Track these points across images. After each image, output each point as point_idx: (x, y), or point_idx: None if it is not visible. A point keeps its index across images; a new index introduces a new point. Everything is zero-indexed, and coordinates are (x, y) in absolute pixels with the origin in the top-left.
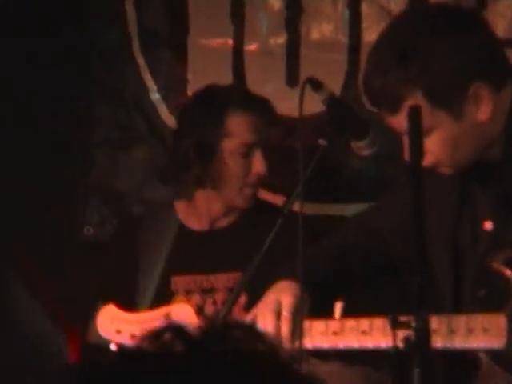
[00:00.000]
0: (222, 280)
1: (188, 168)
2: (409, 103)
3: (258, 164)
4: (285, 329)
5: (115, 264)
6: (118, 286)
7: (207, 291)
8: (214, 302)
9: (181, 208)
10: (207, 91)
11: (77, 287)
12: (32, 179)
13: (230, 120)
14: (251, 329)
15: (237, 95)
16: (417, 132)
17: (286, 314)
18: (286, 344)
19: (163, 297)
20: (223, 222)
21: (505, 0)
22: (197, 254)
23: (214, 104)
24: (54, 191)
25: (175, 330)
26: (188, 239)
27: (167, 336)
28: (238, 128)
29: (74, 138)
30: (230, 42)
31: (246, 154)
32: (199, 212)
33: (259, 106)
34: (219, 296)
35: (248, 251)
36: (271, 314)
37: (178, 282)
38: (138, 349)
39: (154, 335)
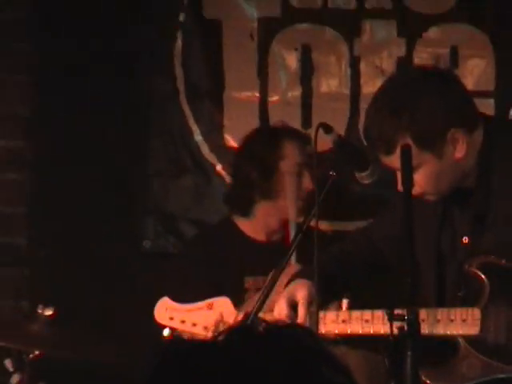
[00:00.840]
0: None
1: (251, 187)
2: (401, 146)
3: (307, 182)
4: (301, 313)
5: (194, 265)
6: (195, 283)
7: (269, 287)
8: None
9: (242, 224)
10: (262, 128)
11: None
12: (101, 204)
13: (285, 146)
14: (304, 328)
15: (287, 129)
16: (408, 164)
17: (302, 301)
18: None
19: (239, 293)
20: (278, 236)
21: (472, 60)
22: (261, 260)
23: (270, 135)
24: (118, 213)
25: (242, 329)
26: (252, 247)
27: (235, 334)
28: (291, 151)
29: (133, 169)
30: (257, 94)
31: (298, 173)
32: (258, 227)
33: (304, 137)
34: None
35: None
36: (286, 303)
37: (250, 281)
38: (210, 342)
39: (225, 332)
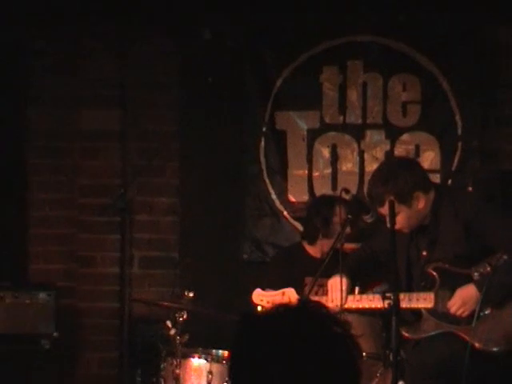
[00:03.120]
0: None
1: (317, 230)
2: (388, 201)
3: (348, 229)
4: (343, 295)
5: (280, 273)
6: (276, 280)
7: (321, 285)
8: (323, 290)
9: (308, 247)
10: (324, 197)
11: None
12: (219, 234)
13: (336, 208)
14: (320, 304)
15: (338, 198)
16: (392, 211)
17: (343, 289)
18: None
19: (301, 286)
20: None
21: (426, 152)
22: (315, 268)
23: (329, 201)
24: (229, 238)
25: (285, 305)
26: (311, 260)
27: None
28: (339, 212)
29: (238, 214)
30: (306, 172)
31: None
32: (317, 250)
33: (346, 203)
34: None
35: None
36: (335, 288)
37: (307, 280)
38: (273, 311)
39: (277, 307)
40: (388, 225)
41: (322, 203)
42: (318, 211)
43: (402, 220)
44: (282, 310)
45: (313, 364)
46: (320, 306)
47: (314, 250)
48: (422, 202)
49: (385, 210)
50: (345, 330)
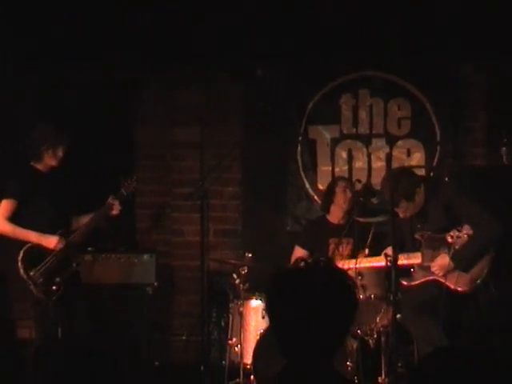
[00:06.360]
0: (347, 242)
1: (328, 201)
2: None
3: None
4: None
5: (310, 237)
6: (309, 247)
7: (339, 243)
8: (342, 250)
9: (328, 216)
10: (334, 178)
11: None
12: (271, 214)
13: (339, 182)
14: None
15: (342, 177)
16: (393, 206)
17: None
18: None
19: (327, 248)
20: (342, 222)
21: (415, 154)
22: (336, 231)
23: (334, 180)
24: (278, 217)
25: (308, 261)
26: (331, 226)
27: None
28: (341, 184)
29: (281, 199)
30: (330, 168)
31: (344, 195)
32: (333, 217)
33: (347, 180)
34: (344, 247)
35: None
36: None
37: (333, 240)
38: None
39: (303, 261)
40: (400, 215)
41: (332, 182)
42: (328, 188)
43: (410, 212)
44: (302, 264)
45: (322, 298)
46: (329, 262)
47: (331, 217)
48: (420, 195)
49: (398, 208)
50: (344, 276)
